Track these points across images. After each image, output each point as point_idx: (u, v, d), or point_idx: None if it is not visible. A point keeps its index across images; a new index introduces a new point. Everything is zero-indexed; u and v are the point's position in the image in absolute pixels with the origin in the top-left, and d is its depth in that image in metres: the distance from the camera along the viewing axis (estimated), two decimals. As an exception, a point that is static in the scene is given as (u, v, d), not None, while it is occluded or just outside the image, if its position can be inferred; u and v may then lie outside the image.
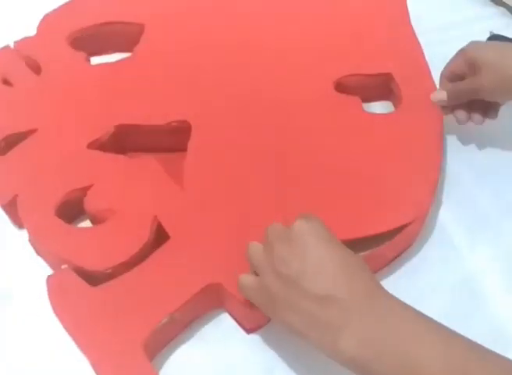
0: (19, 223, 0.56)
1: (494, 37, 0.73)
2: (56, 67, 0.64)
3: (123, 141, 0.60)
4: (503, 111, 0.62)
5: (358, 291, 0.41)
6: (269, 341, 0.50)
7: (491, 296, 0.53)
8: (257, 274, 0.45)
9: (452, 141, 0.64)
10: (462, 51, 0.61)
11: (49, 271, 0.53)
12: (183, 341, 0.50)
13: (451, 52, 0.62)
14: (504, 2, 0.79)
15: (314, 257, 0.42)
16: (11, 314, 0.52)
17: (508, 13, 0.78)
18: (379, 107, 0.66)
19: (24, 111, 0.61)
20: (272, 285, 0.43)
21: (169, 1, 0.71)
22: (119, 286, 0.49)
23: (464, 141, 0.64)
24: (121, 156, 0.58)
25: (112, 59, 0.67)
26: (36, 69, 0.64)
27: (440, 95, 0.60)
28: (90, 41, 0.68)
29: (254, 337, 0.50)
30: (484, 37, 0.73)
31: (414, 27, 0.69)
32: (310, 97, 0.62)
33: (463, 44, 0.65)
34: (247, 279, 0.46)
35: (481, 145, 0.64)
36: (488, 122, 0.61)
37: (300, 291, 0.41)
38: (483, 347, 0.38)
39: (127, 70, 0.64)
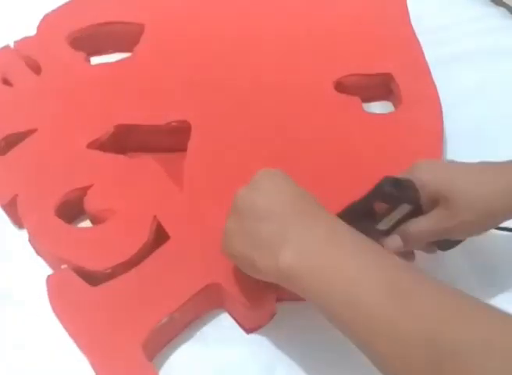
0: (19, 223, 0.56)
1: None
2: (56, 67, 0.64)
3: (123, 140, 0.60)
4: (504, 110, 0.62)
5: (301, 209, 0.42)
6: (269, 340, 0.50)
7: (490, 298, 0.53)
8: None
9: (451, 141, 0.64)
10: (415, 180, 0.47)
11: (49, 271, 0.53)
12: (182, 341, 0.50)
13: (451, 52, 0.63)
14: (504, 2, 0.79)
15: (264, 188, 0.43)
16: (11, 314, 0.51)
17: (508, 13, 0.78)
18: (379, 107, 0.66)
19: (24, 111, 0.61)
20: (230, 224, 0.44)
21: (169, 1, 0.71)
22: (118, 286, 0.49)
23: (463, 141, 0.64)
24: (121, 156, 0.58)
25: (112, 59, 0.67)
26: (36, 69, 0.64)
27: (393, 242, 0.48)
28: (89, 40, 0.68)
29: (254, 337, 0.50)
30: (484, 37, 0.73)
31: (413, 27, 0.69)
32: (310, 97, 0.62)
33: (463, 43, 0.65)
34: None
35: (480, 146, 0.63)
36: (488, 120, 0.61)
37: (247, 214, 0.43)
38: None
39: (127, 70, 0.64)
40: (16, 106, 0.62)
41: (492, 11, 0.79)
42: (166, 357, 0.49)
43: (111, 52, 0.70)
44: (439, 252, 0.51)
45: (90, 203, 0.55)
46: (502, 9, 0.79)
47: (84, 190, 0.55)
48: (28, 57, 0.65)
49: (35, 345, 0.50)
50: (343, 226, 0.42)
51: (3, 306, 0.52)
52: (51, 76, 0.64)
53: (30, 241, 0.55)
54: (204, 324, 0.51)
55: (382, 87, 0.65)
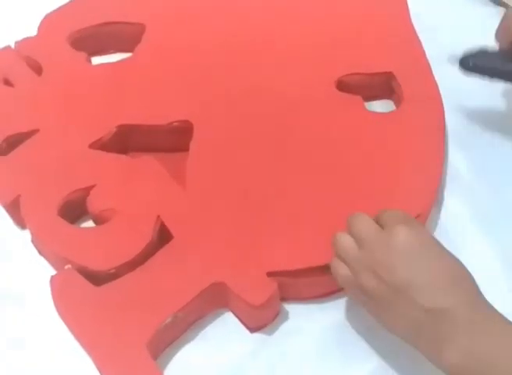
0: (21, 224, 0.56)
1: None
2: (57, 67, 0.64)
3: (125, 141, 0.60)
4: (506, 107, 0.62)
5: (465, 302, 0.41)
6: (273, 340, 0.50)
7: (492, 294, 0.53)
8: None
9: (454, 139, 0.64)
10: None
11: (50, 271, 0.53)
12: (186, 341, 0.50)
13: (450, 52, 0.62)
14: (504, 2, 0.79)
15: (421, 268, 0.42)
16: (11, 314, 0.51)
17: (508, 13, 0.79)
18: (380, 106, 0.66)
19: (25, 111, 0.61)
20: (372, 287, 0.43)
21: (171, 1, 0.71)
22: (122, 286, 0.49)
23: (466, 138, 0.64)
24: (123, 156, 0.58)
25: (114, 59, 0.67)
26: (37, 69, 0.64)
27: None
28: (90, 41, 0.68)
29: (258, 337, 0.50)
30: (484, 37, 0.73)
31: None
32: (311, 96, 0.62)
33: (462, 43, 0.65)
34: (342, 269, 0.45)
35: (483, 143, 0.64)
36: (490, 119, 0.61)
37: (408, 300, 0.41)
38: None
39: (128, 70, 0.64)
40: (17, 107, 0.61)
41: (492, 11, 0.79)
42: (170, 357, 0.49)
43: (112, 52, 0.70)
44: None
45: (93, 203, 0.54)
46: (502, 9, 0.79)
47: (87, 190, 0.55)
48: (29, 57, 0.65)
49: (36, 345, 0.50)
50: (499, 315, 0.41)
51: (3, 306, 0.52)
52: (53, 76, 0.63)
53: (32, 241, 0.55)
54: (208, 324, 0.51)
55: (383, 85, 0.65)
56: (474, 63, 0.58)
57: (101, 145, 0.58)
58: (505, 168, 0.61)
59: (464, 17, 0.77)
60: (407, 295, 0.41)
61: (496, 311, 0.42)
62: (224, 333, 0.51)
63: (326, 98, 0.62)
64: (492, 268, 0.55)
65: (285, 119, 0.61)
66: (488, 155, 0.63)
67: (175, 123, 0.60)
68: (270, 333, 0.50)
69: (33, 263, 0.54)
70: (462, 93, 0.66)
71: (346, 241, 0.46)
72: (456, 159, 0.62)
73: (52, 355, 0.49)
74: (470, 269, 0.54)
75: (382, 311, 0.44)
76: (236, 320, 0.51)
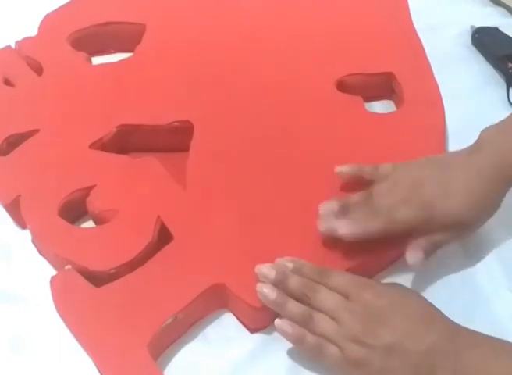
0: (21, 224, 0.56)
1: (479, 31, 0.73)
2: (57, 67, 0.64)
3: (125, 141, 0.60)
4: (506, 108, 0.62)
5: (446, 333, 0.44)
6: (273, 341, 0.50)
7: (492, 294, 0.53)
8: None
9: (454, 140, 0.64)
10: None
11: (50, 271, 0.53)
12: (186, 341, 0.50)
13: (450, 52, 0.62)
14: (503, 2, 0.79)
15: (397, 319, 0.44)
16: (13, 314, 0.51)
17: (507, 13, 0.79)
18: (381, 106, 0.66)
19: (26, 111, 0.61)
20: (364, 357, 0.44)
21: (171, 1, 0.71)
22: (122, 286, 0.49)
23: (466, 139, 0.64)
24: (123, 156, 0.58)
25: (114, 59, 0.67)
26: (37, 69, 0.64)
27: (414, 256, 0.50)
28: (90, 41, 0.68)
29: (258, 337, 0.50)
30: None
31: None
32: (312, 96, 0.62)
33: (462, 43, 0.65)
34: (332, 351, 0.45)
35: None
36: (489, 119, 0.61)
37: (400, 353, 0.43)
38: None
39: (129, 70, 0.64)
40: (17, 107, 0.62)
41: (491, 11, 0.79)
42: (170, 357, 0.49)
43: (112, 52, 0.70)
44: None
45: (94, 203, 0.54)
46: (501, 9, 0.79)
47: (87, 190, 0.55)
48: (29, 57, 0.65)
49: (36, 345, 0.50)
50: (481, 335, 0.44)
51: (3, 306, 0.52)
52: (53, 76, 0.64)
53: (32, 241, 0.55)
54: (208, 324, 0.51)
55: (383, 86, 0.65)
56: None
57: (101, 145, 0.58)
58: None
59: (463, 17, 0.77)
60: (399, 349, 0.43)
61: (468, 329, 0.45)
62: (224, 333, 0.50)
63: (327, 98, 0.63)
64: (492, 268, 0.55)
65: (285, 120, 0.61)
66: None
67: (175, 123, 0.60)
68: (270, 333, 0.50)
69: (33, 263, 0.54)
70: (461, 93, 0.66)
71: (321, 319, 0.46)
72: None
73: (52, 354, 0.49)
74: (470, 267, 0.54)
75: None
76: (236, 321, 0.51)
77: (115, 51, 0.70)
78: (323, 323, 0.45)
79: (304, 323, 0.46)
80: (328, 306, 0.46)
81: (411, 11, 0.71)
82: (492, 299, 0.53)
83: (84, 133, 0.59)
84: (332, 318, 0.45)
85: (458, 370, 0.42)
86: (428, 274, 0.54)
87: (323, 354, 0.45)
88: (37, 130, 0.59)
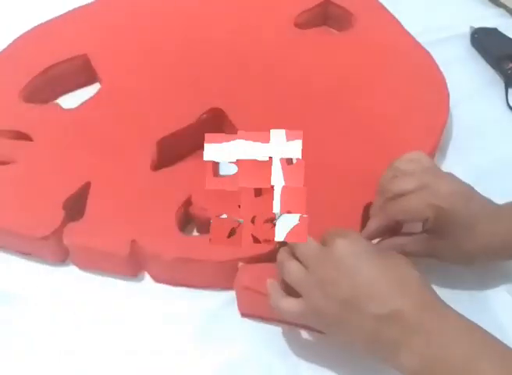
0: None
1: (478, 31, 0.74)
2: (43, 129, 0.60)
3: (169, 153, 0.58)
4: (504, 108, 0.62)
5: (415, 304, 0.41)
6: (271, 338, 0.50)
7: (491, 297, 0.53)
8: (293, 292, 0.45)
9: (454, 140, 0.64)
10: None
11: (49, 271, 0.53)
12: (183, 339, 0.50)
13: (450, 52, 0.62)
14: (502, 3, 0.79)
15: (364, 277, 0.42)
16: (11, 314, 0.51)
17: (507, 14, 0.79)
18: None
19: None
20: (323, 306, 0.42)
21: (98, 24, 0.69)
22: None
23: (464, 140, 0.64)
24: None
25: (78, 95, 0.65)
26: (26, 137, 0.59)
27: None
28: (41, 91, 0.64)
29: (256, 335, 0.50)
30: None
31: (412, 27, 0.70)
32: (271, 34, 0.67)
33: (462, 44, 0.65)
34: (288, 302, 0.44)
35: (481, 144, 0.64)
36: (488, 120, 0.61)
37: (358, 311, 0.41)
38: None
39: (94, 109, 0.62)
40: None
41: (491, 11, 0.79)
42: (170, 356, 0.49)
43: (74, 89, 0.67)
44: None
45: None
46: (500, 10, 0.79)
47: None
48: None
49: (36, 345, 0.50)
50: (454, 314, 0.41)
51: (3, 306, 0.52)
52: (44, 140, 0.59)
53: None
54: (208, 323, 0.51)
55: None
56: None
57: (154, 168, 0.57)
58: (504, 171, 0.61)
59: (463, 18, 0.77)
60: (357, 306, 0.41)
61: (449, 309, 0.41)
62: (223, 333, 0.50)
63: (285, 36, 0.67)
64: (494, 269, 0.55)
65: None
66: (488, 153, 0.63)
67: (203, 116, 0.59)
68: (267, 331, 0.50)
69: (34, 263, 0.54)
70: (461, 93, 0.66)
71: (292, 265, 0.45)
72: (455, 162, 0.61)
73: (52, 354, 0.49)
74: (471, 267, 0.54)
75: (337, 328, 0.43)
76: (236, 320, 0.51)
77: (76, 88, 0.66)
78: (292, 268, 0.45)
79: (280, 265, 0.46)
80: (300, 252, 0.45)
81: (410, 11, 0.71)
82: (491, 302, 0.53)
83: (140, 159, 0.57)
84: (304, 265, 0.44)
85: (422, 353, 0.39)
86: (427, 275, 0.54)
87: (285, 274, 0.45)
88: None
